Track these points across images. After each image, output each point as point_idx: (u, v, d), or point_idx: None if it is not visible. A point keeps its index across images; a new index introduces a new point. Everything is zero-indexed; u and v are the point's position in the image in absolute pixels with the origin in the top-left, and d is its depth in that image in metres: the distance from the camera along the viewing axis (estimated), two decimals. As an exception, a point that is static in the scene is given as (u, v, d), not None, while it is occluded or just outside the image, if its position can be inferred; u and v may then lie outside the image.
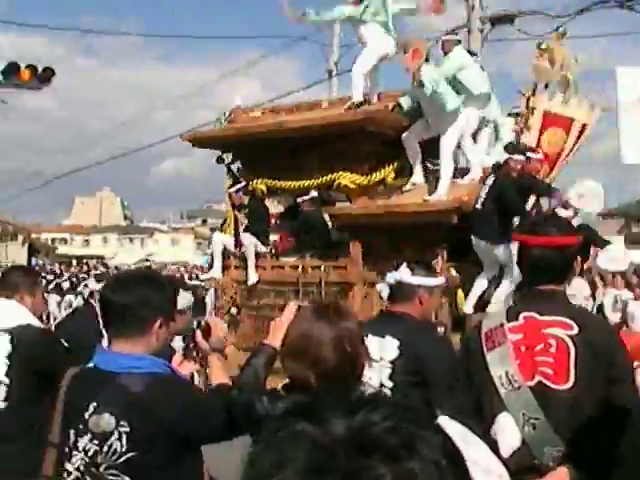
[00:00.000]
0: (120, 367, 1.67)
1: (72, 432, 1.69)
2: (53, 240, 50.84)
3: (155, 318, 1.71)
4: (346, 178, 5.65)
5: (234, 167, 6.57)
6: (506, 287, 4.84)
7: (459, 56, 5.51)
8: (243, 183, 6.35)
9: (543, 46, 6.09)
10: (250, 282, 5.82)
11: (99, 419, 1.63)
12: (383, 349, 2.33)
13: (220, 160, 6.73)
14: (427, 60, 5.32)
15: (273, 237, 6.32)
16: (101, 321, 1.80)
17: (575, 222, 4.73)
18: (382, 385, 2.30)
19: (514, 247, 2.21)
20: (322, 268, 5.56)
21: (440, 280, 2.52)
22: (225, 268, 6.17)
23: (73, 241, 52.43)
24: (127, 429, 1.61)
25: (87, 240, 51.41)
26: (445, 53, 5.57)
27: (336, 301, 2.56)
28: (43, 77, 10.13)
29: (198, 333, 1.90)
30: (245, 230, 6.25)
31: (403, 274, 2.39)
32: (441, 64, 5.41)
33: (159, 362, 1.71)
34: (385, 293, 2.47)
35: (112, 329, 1.74)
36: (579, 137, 6.15)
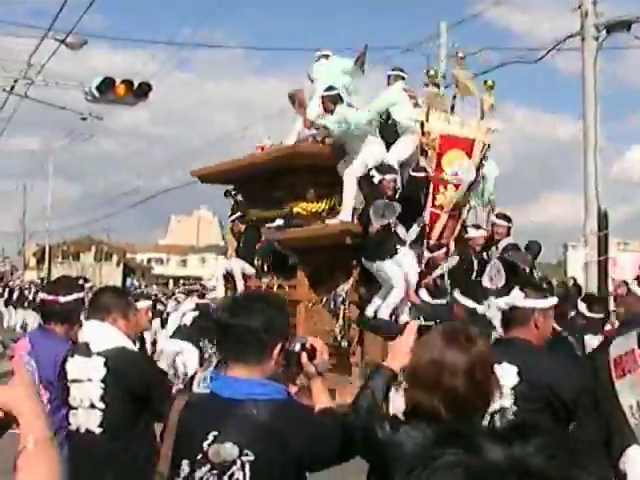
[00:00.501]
0: (242, 394, 1.74)
1: (186, 462, 1.74)
2: (149, 260, 55.49)
3: (276, 342, 1.80)
4: (299, 206, 7.48)
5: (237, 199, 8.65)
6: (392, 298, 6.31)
7: (394, 93, 7.15)
8: (239, 214, 8.55)
9: (431, 72, 7.43)
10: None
11: (220, 448, 1.70)
12: (502, 376, 2.39)
13: (228, 194, 8.98)
14: (342, 100, 7.01)
15: (257, 261, 8.20)
16: (216, 344, 1.94)
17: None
18: (504, 412, 2.38)
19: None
20: (285, 288, 7.48)
21: (554, 300, 2.61)
22: (228, 289, 8.05)
23: (169, 261, 56.14)
24: (251, 458, 1.68)
25: (184, 260, 54.63)
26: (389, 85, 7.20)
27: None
28: (139, 92, 10.94)
29: (304, 355, 1.93)
30: (236, 255, 8.30)
31: (516, 298, 2.50)
32: (376, 98, 7.02)
33: (280, 387, 1.80)
34: (497, 319, 2.62)
35: (230, 353, 1.81)
36: (483, 157, 7.07)
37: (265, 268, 8.17)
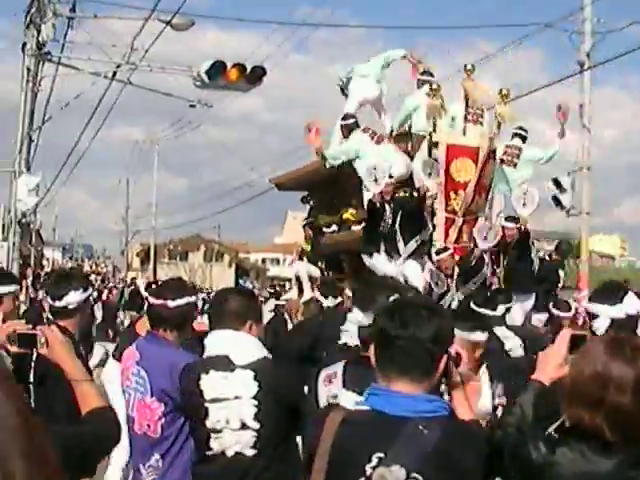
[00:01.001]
0: (408, 411, 1.80)
1: None
2: (263, 260, 56.66)
3: (443, 354, 1.88)
4: (348, 213, 9.93)
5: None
6: None
7: (415, 98, 8.92)
8: (310, 219, 10.72)
9: (434, 86, 8.59)
10: (303, 299, 8.82)
11: (386, 472, 1.74)
12: None
13: (304, 200, 11.27)
14: (357, 126, 8.91)
15: (320, 264, 10.24)
16: (376, 356, 1.92)
17: None
18: None
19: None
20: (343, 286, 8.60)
21: None
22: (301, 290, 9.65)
23: (286, 262, 58.77)
24: None
25: (302, 261, 56.52)
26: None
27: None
28: (252, 77, 11.04)
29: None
30: (300, 259, 10.43)
31: (632, 305, 2.53)
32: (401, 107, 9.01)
33: (445, 403, 1.88)
34: (602, 328, 2.70)
35: (393, 366, 1.87)
36: (487, 162, 8.59)
37: (325, 271, 10.25)
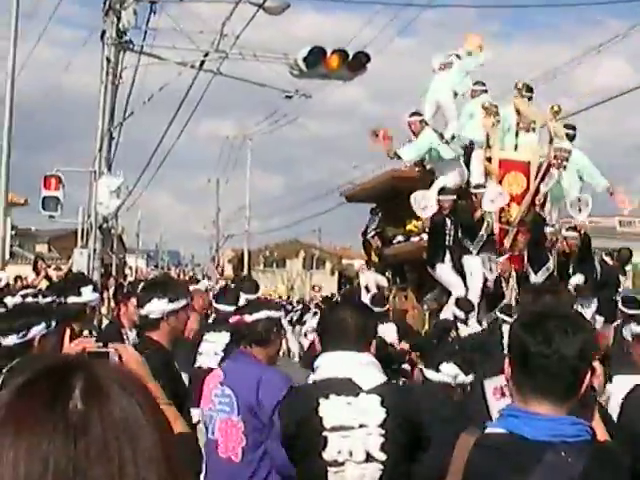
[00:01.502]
0: (550, 435, 1.85)
1: None
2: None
3: (587, 371, 1.93)
4: (412, 224, 11.66)
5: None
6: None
7: (472, 105, 11.06)
8: (379, 230, 12.49)
9: (487, 105, 10.53)
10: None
11: None
12: None
13: (373, 212, 12.98)
14: (426, 124, 10.79)
15: (387, 274, 12.44)
16: (513, 373, 1.96)
17: None
18: None
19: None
20: (400, 297, 11.96)
21: None
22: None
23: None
24: None
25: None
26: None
27: None
28: (355, 64, 11.25)
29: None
30: (374, 268, 12.52)
31: None
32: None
33: (586, 425, 1.92)
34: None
35: (533, 386, 1.92)
36: (543, 176, 10.26)
37: (391, 280, 12.45)
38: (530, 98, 11.41)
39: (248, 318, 3.84)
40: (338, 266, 55.22)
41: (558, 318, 1.98)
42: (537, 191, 10.40)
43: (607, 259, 11.30)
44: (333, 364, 2.95)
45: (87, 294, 4.75)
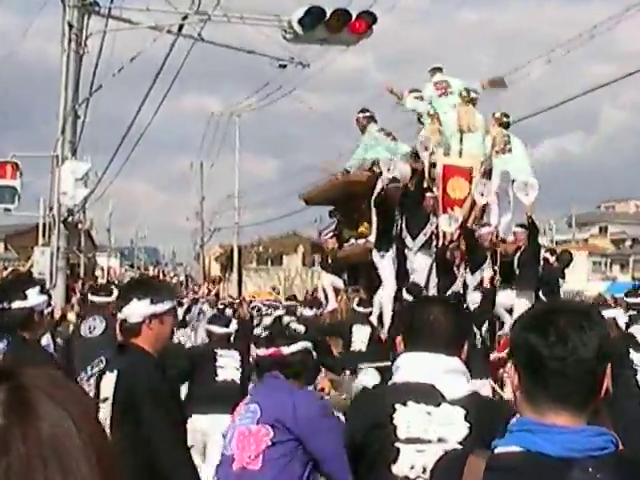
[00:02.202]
0: (575, 450, 1.87)
1: None
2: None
3: (605, 371, 1.96)
4: (363, 226, 14.08)
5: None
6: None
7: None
8: (334, 232, 14.99)
9: (431, 112, 12.84)
10: (328, 309, 13.55)
11: None
12: None
13: (332, 214, 15.99)
14: (374, 121, 13.51)
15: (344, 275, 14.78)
16: (522, 381, 1.99)
17: None
18: None
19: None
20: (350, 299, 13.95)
21: None
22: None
23: None
24: None
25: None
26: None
27: None
28: (358, 26, 11.49)
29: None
30: (325, 270, 14.62)
31: None
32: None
33: (612, 434, 1.93)
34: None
35: (548, 395, 1.94)
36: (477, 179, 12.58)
37: (347, 282, 14.90)
38: (507, 125, 13.23)
39: (285, 350, 4.10)
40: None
41: (570, 313, 1.98)
42: (474, 201, 12.60)
43: (548, 256, 13.28)
44: (416, 366, 3.01)
45: (33, 297, 4.70)
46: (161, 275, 69.29)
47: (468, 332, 3.18)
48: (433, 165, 12.72)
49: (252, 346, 4.39)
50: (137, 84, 15.54)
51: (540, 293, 11.62)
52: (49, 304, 5.39)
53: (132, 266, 74.82)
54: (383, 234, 12.39)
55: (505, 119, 13.05)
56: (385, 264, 12.35)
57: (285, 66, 14.82)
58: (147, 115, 15.03)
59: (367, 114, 13.34)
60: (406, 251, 12.34)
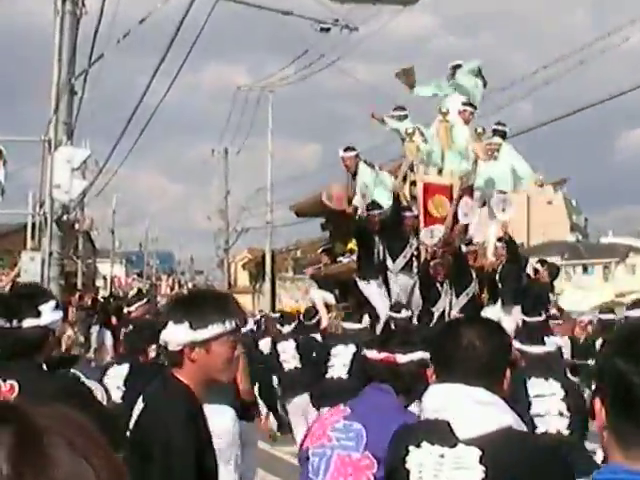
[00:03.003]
0: None
1: None
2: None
3: None
4: (352, 242, 16.91)
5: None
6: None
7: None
8: (328, 246, 18.44)
9: (409, 130, 14.86)
10: (322, 326, 14.40)
11: None
12: None
13: (324, 227, 20.25)
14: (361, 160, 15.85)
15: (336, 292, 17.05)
16: (609, 416, 2.02)
17: None
18: None
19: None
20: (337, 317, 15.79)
21: None
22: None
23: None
24: None
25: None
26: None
27: None
28: None
29: None
30: (318, 285, 17.78)
31: None
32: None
33: None
34: None
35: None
36: (463, 195, 15.13)
37: (339, 298, 16.85)
38: (503, 134, 15.64)
39: (401, 358, 4.21)
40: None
41: None
42: (456, 219, 14.88)
43: (539, 267, 16.09)
44: (440, 400, 3.13)
45: (48, 314, 4.56)
46: (176, 286, 69.95)
47: (507, 360, 3.24)
48: (413, 183, 15.53)
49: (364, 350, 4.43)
50: (147, 52, 15.68)
51: (527, 308, 12.89)
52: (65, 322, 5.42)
53: (141, 275, 75.44)
54: (366, 262, 14.64)
55: (501, 127, 15.65)
56: (372, 290, 14.46)
57: (328, 30, 14.84)
58: (159, 91, 15.08)
59: (354, 152, 15.60)
60: (388, 273, 14.56)
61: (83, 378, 5.05)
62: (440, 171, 15.54)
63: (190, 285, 67.39)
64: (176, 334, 3.63)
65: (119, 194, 58.39)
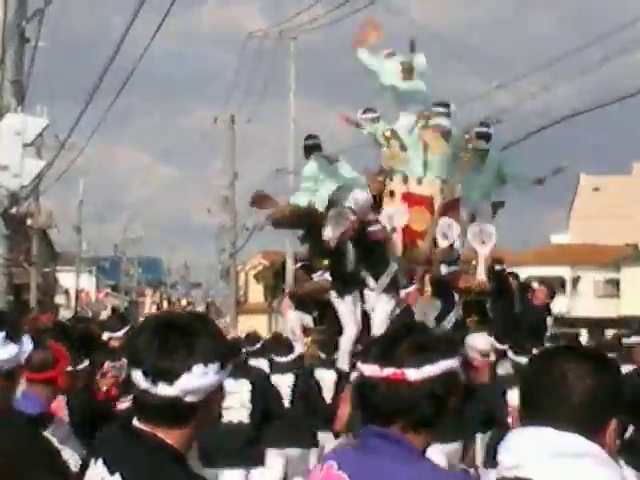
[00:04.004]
0: None
1: None
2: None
3: None
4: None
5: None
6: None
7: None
8: (306, 262, 20.84)
9: (387, 133, 17.49)
10: (294, 354, 15.10)
11: None
12: None
13: (302, 241, 20.71)
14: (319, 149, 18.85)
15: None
16: None
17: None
18: None
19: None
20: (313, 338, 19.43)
21: None
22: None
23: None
24: None
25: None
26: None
27: None
28: None
29: None
30: (295, 307, 19.76)
31: None
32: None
33: None
34: None
35: None
36: (447, 213, 17.42)
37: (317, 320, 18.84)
38: (488, 136, 18.36)
39: (414, 374, 3.81)
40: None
41: None
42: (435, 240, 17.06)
43: (537, 287, 19.85)
44: (519, 452, 3.22)
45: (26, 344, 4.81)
46: (164, 303, 70.37)
47: (617, 400, 3.27)
48: (391, 194, 17.64)
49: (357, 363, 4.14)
50: (121, -15, 15.77)
51: (516, 347, 14.14)
52: None
53: (116, 288, 75.85)
54: (338, 276, 16.80)
55: (485, 130, 18.52)
56: (345, 308, 16.51)
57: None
58: (142, 38, 15.13)
59: (313, 142, 18.40)
60: (366, 291, 16.62)
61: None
62: (420, 180, 17.82)
63: (184, 303, 68.09)
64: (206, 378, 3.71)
65: (87, 179, 58.80)
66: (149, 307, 70.86)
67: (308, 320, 18.77)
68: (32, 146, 12.98)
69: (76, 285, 56.94)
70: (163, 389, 3.60)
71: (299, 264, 21.88)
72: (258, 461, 12.55)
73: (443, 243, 16.94)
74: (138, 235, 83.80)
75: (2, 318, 5.11)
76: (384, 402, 3.83)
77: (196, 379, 3.63)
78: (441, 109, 18.16)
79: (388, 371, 3.80)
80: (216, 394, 3.77)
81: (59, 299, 51.43)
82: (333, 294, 16.59)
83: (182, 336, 3.69)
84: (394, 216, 17.19)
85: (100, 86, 14.74)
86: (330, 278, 17.24)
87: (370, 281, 16.48)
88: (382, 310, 16.35)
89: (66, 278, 56.05)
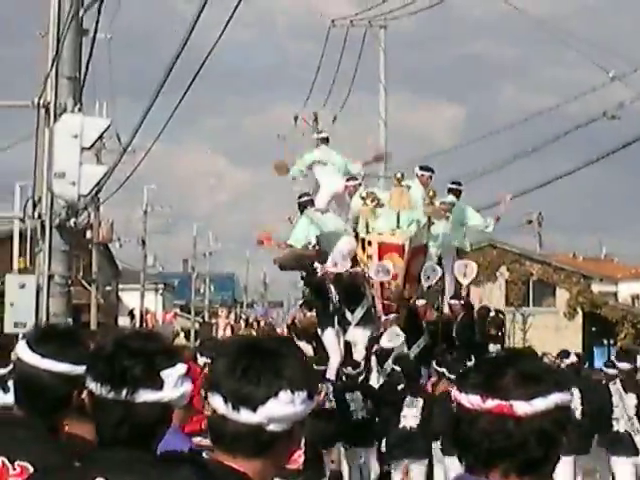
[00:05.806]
0: None
1: None
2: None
3: None
4: None
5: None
6: None
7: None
8: (305, 299, 34.76)
9: (363, 194, 28.66)
10: None
11: None
12: None
13: (304, 280, 34.11)
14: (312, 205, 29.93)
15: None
16: None
17: None
18: None
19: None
20: None
21: None
22: None
23: None
24: None
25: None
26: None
27: None
28: None
29: None
30: (298, 339, 28.38)
31: None
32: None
33: None
34: None
35: None
36: (415, 257, 28.36)
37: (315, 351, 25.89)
38: (458, 192, 26.40)
39: (523, 408, 3.65)
40: (582, 297, 55.58)
41: None
42: (407, 271, 24.21)
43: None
44: None
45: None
46: (241, 324, 70.52)
47: None
48: (369, 243, 25.02)
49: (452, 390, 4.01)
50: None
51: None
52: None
53: (185, 309, 75.97)
54: (322, 311, 23.71)
55: (455, 187, 26.51)
56: (328, 339, 23.25)
57: None
58: (212, 29, 15.18)
59: (306, 198, 26.53)
60: (346, 325, 23.59)
61: None
62: (393, 231, 25.10)
63: (262, 324, 68.27)
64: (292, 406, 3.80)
65: (153, 186, 59.12)
66: (223, 329, 70.90)
67: (308, 349, 23.26)
68: (91, 150, 12.87)
69: (141, 305, 57.27)
70: (245, 415, 3.68)
71: (301, 302, 28.31)
72: None
73: (426, 283, 24.42)
74: (210, 249, 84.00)
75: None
76: (485, 440, 3.69)
77: (282, 406, 3.70)
78: (425, 172, 26.16)
79: (492, 403, 3.65)
80: (301, 425, 3.82)
81: (122, 321, 51.66)
82: (319, 329, 23.22)
83: (268, 361, 3.76)
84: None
85: (166, 81, 14.70)
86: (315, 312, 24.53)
87: (348, 314, 23.70)
88: (360, 339, 23.45)
89: (130, 297, 56.58)
